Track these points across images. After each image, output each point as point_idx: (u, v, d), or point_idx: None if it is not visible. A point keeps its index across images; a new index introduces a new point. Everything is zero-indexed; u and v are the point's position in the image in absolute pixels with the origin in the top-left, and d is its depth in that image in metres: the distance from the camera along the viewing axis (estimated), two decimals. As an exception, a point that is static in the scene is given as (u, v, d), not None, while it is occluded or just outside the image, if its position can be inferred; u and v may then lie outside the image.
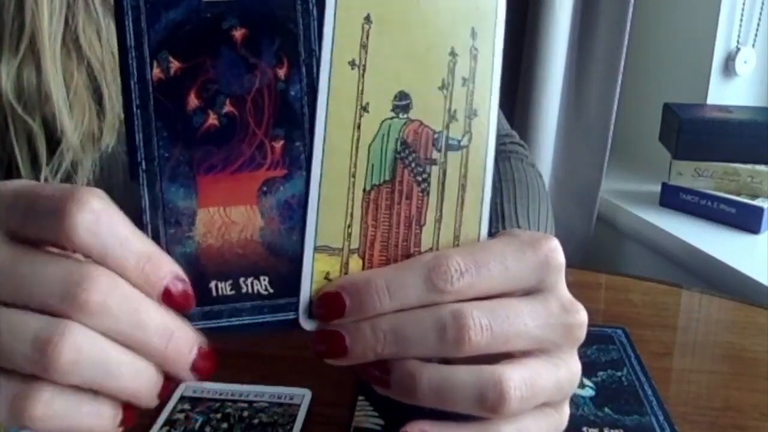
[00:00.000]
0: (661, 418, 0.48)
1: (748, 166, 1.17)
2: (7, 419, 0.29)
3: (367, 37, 0.31)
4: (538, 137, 1.32)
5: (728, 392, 0.53)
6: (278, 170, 0.32)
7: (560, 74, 1.30)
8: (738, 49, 1.31)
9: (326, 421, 0.47)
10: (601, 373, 0.53)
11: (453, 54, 0.33)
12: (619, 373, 0.53)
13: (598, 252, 1.37)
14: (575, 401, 0.49)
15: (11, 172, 0.51)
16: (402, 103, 0.32)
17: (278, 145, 0.32)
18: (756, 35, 1.32)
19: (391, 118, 0.32)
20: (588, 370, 0.53)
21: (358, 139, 0.32)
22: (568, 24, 1.28)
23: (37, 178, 0.51)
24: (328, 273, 0.33)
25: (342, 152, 0.32)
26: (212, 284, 0.32)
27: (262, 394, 0.49)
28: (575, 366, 0.35)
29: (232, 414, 0.47)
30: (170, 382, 0.32)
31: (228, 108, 0.31)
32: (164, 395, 0.32)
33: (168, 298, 0.30)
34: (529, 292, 0.34)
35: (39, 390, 0.29)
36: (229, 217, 0.32)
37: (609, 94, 1.28)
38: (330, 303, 0.32)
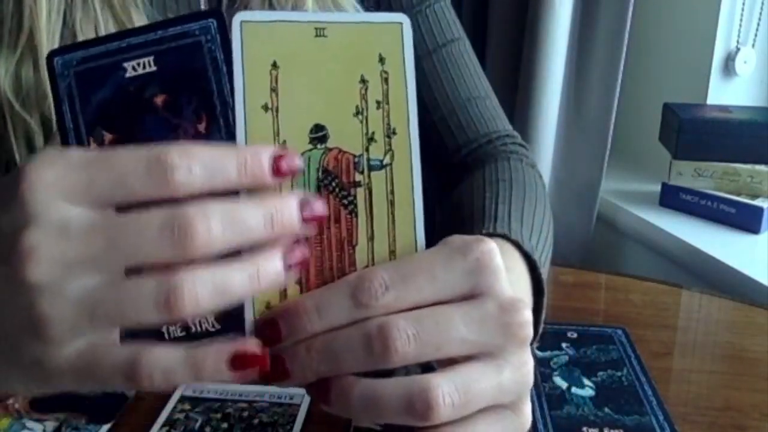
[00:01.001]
0: (661, 418, 0.48)
1: (748, 166, 1.17)
2: (124, 382, 0.31)
3: (276, 81, 0.34)
4: (538, 137, 1.32)
5: (728, 392, 0.53)
6: None
7: (560, 74, 1.30)
8: (738, 49, 1.31)
9: (326, 421, 0.47)
10: (601, 373, 0.53)
11: (363, 81, 0.35)
12: (619, 373, 0.53)
13: (598, 252, 1.37)
14: (575, 401, 0.49)
15: (10, 169, 0.51)
16: (318, 134, 0.35)
17: None
18: (756, 35, 1.32)
19: (310, 150, 0.34)
20: (588, 370, 0.53)
21: None
22: (568, 24, 1.28)
23: None
24: (268, 303, 0.34)
25: (265, 189, 0.34)
26: (164, 329, 0.35)
27: (262, 394, 0.49)
28: (524, 365, 0.34)
29: (232, 414, 0.47)
30: (294, 253, 0.33)
31: None
32: (299, 264, 0.33)
33: (281, 174, 0.32)
34: (466, 298, 0.34)
35: (146, 353, 0.31)
36: None
37: (609, 94, 1.28)
38: (267, 330, 0.33)
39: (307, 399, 0.48)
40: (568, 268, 0.73)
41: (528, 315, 0.34)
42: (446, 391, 0.32)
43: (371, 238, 0.35)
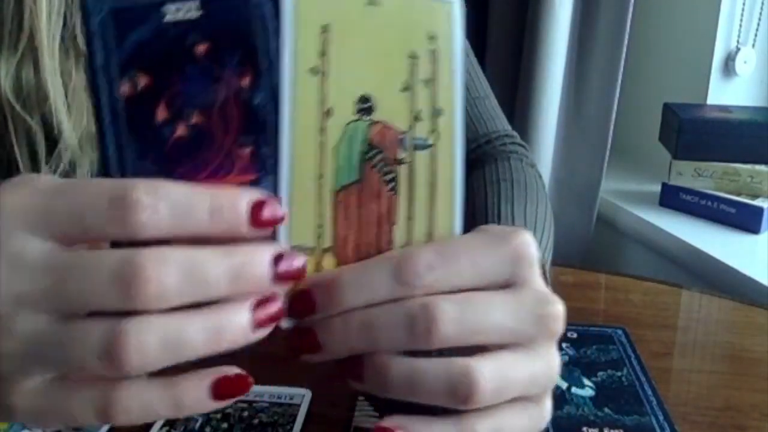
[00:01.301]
0: (661, 418, 0.48)
1: (748, 166, 1.17)
2: (96, 420, 0.29)
3: (326, 46, 0.33)
4: (538, 137, 1.32)
5: (728, 392, 0.53)
6: (247, 176, 0.33)
7: (560, 74, 1.30)
8: (738, 49, 1.31)
9: (326, 421, 0.47)
10: (601, 373, 0.53)
11: (412, 57, 0.34)
12: (619, 373, 0.53)
13: (598, 252, 1.37)
14: (575, 401, 0.49)
15: (11, 171, 0.51)
16: (365, 106, 0.34)
17: (246, 151, 0.33)
18: (756, 35, 1.32)
19: (355, 121, 0.34)
20: (588, 370, 0.53)
21: (323, 143, 0.33)
22: (568, 24, 1.28)
23: None
24: None
25: (308, 156, 0.33)
26: None
27: (262, 394, 0.49)
28: (553, 359, 0.35)
29: (232, 414, 0.47)
30: (265, 309, 0.30)
31: (196, 119, 0.32)
32: (271, 321, 0.30)
33: (260, 224, 0.30)
34: (502, 287, 0.34)
35: (117, 388, 0.29)
36: None
37: (609, 94, 1.28)
38: (301, 300, 0.32)
39: (307, 399, 0.48)
40: (568, 268, 0.73)
41: (561, 309, 0.34)
42: (488, 376, 0.32)
43: (410, 218, 0.34)
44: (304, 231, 0.33)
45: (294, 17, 0.32)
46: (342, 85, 0.33)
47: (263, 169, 0.33)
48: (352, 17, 0.33)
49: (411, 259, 0.32)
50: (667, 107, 1.27)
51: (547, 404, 0.35)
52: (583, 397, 0.50)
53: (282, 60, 0.32)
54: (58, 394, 0.29)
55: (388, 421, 0.33)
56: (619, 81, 1.27)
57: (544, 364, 0.34)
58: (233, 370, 0.31)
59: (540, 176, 0.64)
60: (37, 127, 0.50)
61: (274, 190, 0.33)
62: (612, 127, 1.30)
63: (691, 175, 1.21)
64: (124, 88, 0.31)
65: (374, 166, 0.34)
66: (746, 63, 1.32)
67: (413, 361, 0.32)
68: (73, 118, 0.50)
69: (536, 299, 0.34)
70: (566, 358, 0.55)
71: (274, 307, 0.31)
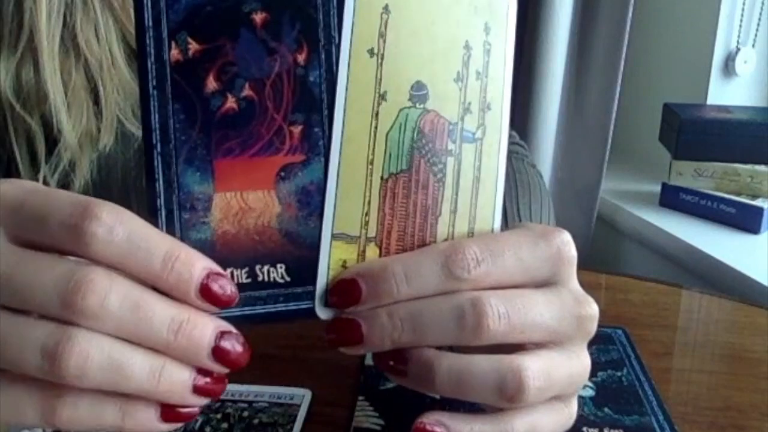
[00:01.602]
0: (661, 418, 0.48)
1: (748, 166, 1.17)
2: (40, 421, 0.29)
3: (386, 27, 0.32)
4: (538, 137, 1.32)
5: (728, 392, 0.53)
6: (296, 156, 0.32)
7: (560, 74, 1.30)
8: (738, 49, 1.31)
9: (326, 421, 0.47)
10: (601, 373, 0.53)
11: (467, 47, 0.33)
12: (619, 373, 0.53)
13: (598, 252, 1.36)
14: (575, 401, 0.49)
15: (11, 171, 0.51)
16: (419, 93, 0.33)
17: (297, 130, 0.31)
18: (756, 35, 1.32)
19: (409, 108, 0.32)
20: (588, 370, 0.53)
21: (376, 127, 0.32)
22: (568, 24, 1.28)
23: (36, 177, 0.51)
24: (345, 261, 0.32)
25: (360, 139, 0.32)
26: (228, 271, 0.31)
27: (262, 394, 0.49)
28: (586, 359, 0.35)
29: (232, 414, 0.47)
30: (208, 378, 0.30)
31: (247, 91, 0.31)
32: (209, 393, 0.30)
33: (208, 295, 0.29)
34: (542, 285, 0.34)
35: (62, 395, 0.29)
36: (246, 203, 0.31)
37: (609, 94, 1.28)
38: (346, 290, 0.32)
39: (307, 399, 0.48)
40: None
41: (597, 311, 0.34)
42: (535, 374, 0.32)
43: (454, 211, 0.34)
44: (349, 219, 0.32)
45: None
46: (398, 68, 0.32)
47: (312, 150, 0.32)
48: (413, 1, 0.32)
49: (460, 252, 0.32)
50: (667, 107, 1.27)
51: (574, 404, 0.36)
52: (583, 397, 0.50)
53: (342, 38, 0.31)
54: (2, 388, 0.29)
55: (427, 417, 0.33)
56: (619, 81, 1.27)
57: (580, 364, 0.34)
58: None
59: (540, 176, 0.65)
60: (36, 127, 0.50)
61: (323, 173, 0.32)
62: (612, 127, 1.30)
63: (691, 175, 1.21)
64: (174, 53, 0.29)
65: (423, 156, 0.33)
66: (746, 63, 1.32)
67: (462, 357, 0.32)
68: (72, 117, 0.50)
69: (575, 300, 0.34)
70: (566, 358, 0.55)
71: (214, 383, 0.30)
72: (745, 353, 0.58)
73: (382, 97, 0.32)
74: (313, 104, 0.31)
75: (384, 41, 0.32)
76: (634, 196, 1.33)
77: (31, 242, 0.29)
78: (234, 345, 0.30)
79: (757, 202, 1.15)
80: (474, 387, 0.32)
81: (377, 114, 0.32)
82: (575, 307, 0.34)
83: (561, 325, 0.33)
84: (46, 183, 0.51)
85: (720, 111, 1.24)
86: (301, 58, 0.31)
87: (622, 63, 1.26)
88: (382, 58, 0.32)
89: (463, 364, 0.32)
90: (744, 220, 1.15)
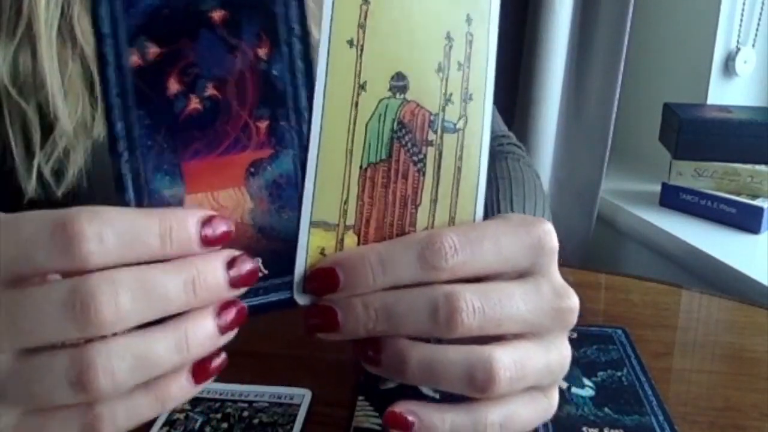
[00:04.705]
0: (661, 418, 0.48)
1: (748, 166, 1.17)
2: None
3: (365, 18, 0.32)
4: (538, 137, 1.32)
5: (728, 392, 0.53)
6: (264, 150, 0.32)
7: (560, 74, 1.30)
8: (738, 49, 1.31)
9: (326, 421, 0.47)
10: (601, 373, 0.53)
11: (449, 38, 0.33)
12: (619, 373, 0.53)
13: (598, 252, 1.36)
14: (575, 401, 0.49)
15: (5, 158, 0.51)
16: (399, 83, 0.33)
17: (263, 125, 0.32)
18: (756, 35, 1.32)
19: (389, 98, 0.33)
20: (588, 370, 0.53)
21: (355, 117, 0.32)
22: (568, 24, 1.28)
23: (31, 164, 0.51)
24: (323, 249, 0.33)
25: (339, 129, 0.32)
26: None
27: (262, 394, 0.49)
28: (565, 350, 0.35)
29: (232, 414, 0.47)
30: (228, 312, 0.30)
31: (210, 91, 0.31)
32: (234, 326, 0.30)
33: (211, 242, 0.29)
34: (521, 275, 0.34)
35: (98, 412, 0.29)
36: (218, 202, 0.32)
37: (609, 95, 1.28)
38: (324, 277, 0.32)
39: (307, 399, 0.48)
40: (568, 268, 0.73)
41: (577, 302, 0.34)
42: (507, 365, 0.32)
43: (434, 201, 0.34)
44: (328, 207, 0.33)
45: None
46: (378, 59, 0.32)
47: (280, 143, 0.32)
48: None
49: (437, 242, 0.32)
50: (667, 107, 1.27)
51: (555, 395, 0.36)
52: (583, 397, 0.50)
53: (321, 29, 0.31)
54: (37, 424, 0.29)
55: (399, 406, 0.33)
56: (619, 81, 1.27)
57: (558, 355, 0.34)
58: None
59: (537, 176, 0.64)
60: (32, 114, 0.50)
61: (293, 165, 0.32)
62: (612, 127, 1.30)
63: (691, 175, 1.21)
64: (133, 58, 0.29)
65: (403, 146, 0.33)
66: (746, 63, 1.32)
67: (433, 348, 0.32)
68: (68, 105, 0.50)
69: (554, 291, 0.34)
70: (566, 358, 0.55)
71: (236, 311, 0.30)
72: (745, 353, 0.58)
73: (362, 87, 0.32)
74: (278, 98, 0.31)
75: (363, 32, 0.32)
76: (634, 196, 1.33)
77: (24, 276, 0.28)
78: (242, 267, 0.30)
79: (757, 202, 1.15)
80: (445, 377, 0.32)
81: (357, 104, 0.32)
82: (554, 299, 0.34)
83: (538, 318, 0.33)
84: (40, 170, 0.51)
85: (720, 111, 1.24)
86: (262, 52, 0.31)
87: (622, 63, 1.26)
88: (362, 50, 0.32)
89: (435, 355, 0.32)
90: (744, 220, 1.15)
